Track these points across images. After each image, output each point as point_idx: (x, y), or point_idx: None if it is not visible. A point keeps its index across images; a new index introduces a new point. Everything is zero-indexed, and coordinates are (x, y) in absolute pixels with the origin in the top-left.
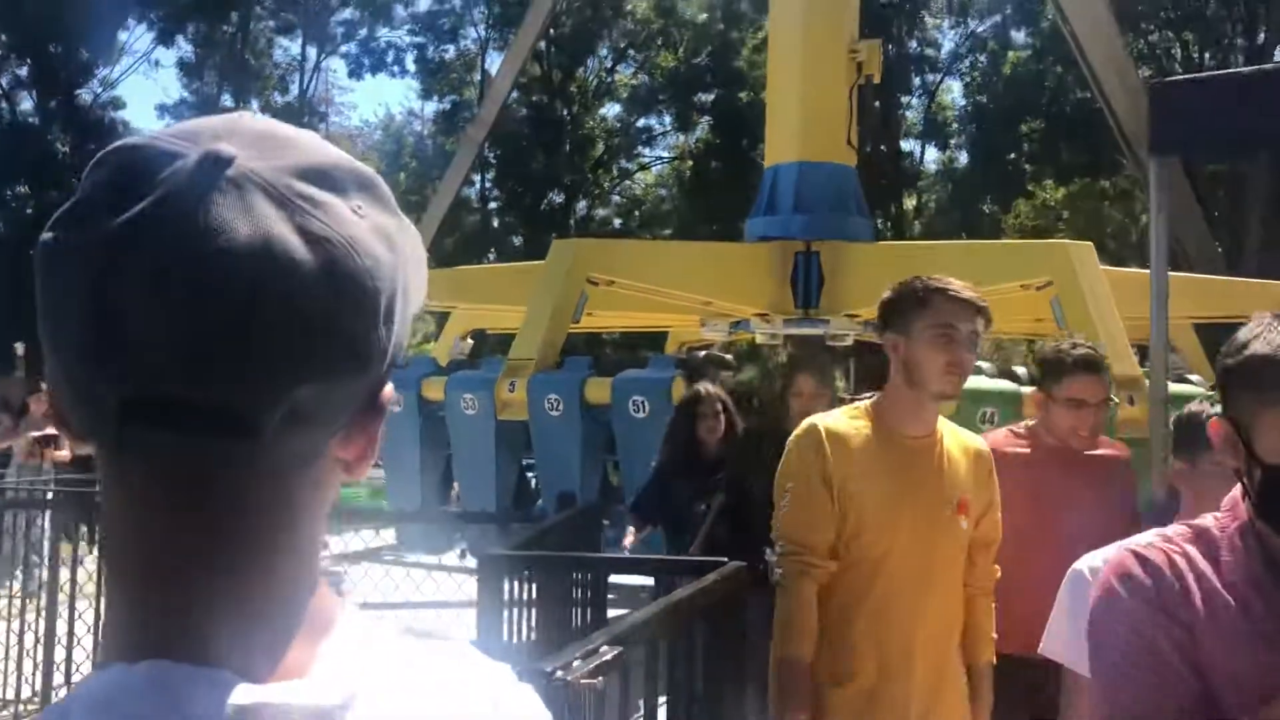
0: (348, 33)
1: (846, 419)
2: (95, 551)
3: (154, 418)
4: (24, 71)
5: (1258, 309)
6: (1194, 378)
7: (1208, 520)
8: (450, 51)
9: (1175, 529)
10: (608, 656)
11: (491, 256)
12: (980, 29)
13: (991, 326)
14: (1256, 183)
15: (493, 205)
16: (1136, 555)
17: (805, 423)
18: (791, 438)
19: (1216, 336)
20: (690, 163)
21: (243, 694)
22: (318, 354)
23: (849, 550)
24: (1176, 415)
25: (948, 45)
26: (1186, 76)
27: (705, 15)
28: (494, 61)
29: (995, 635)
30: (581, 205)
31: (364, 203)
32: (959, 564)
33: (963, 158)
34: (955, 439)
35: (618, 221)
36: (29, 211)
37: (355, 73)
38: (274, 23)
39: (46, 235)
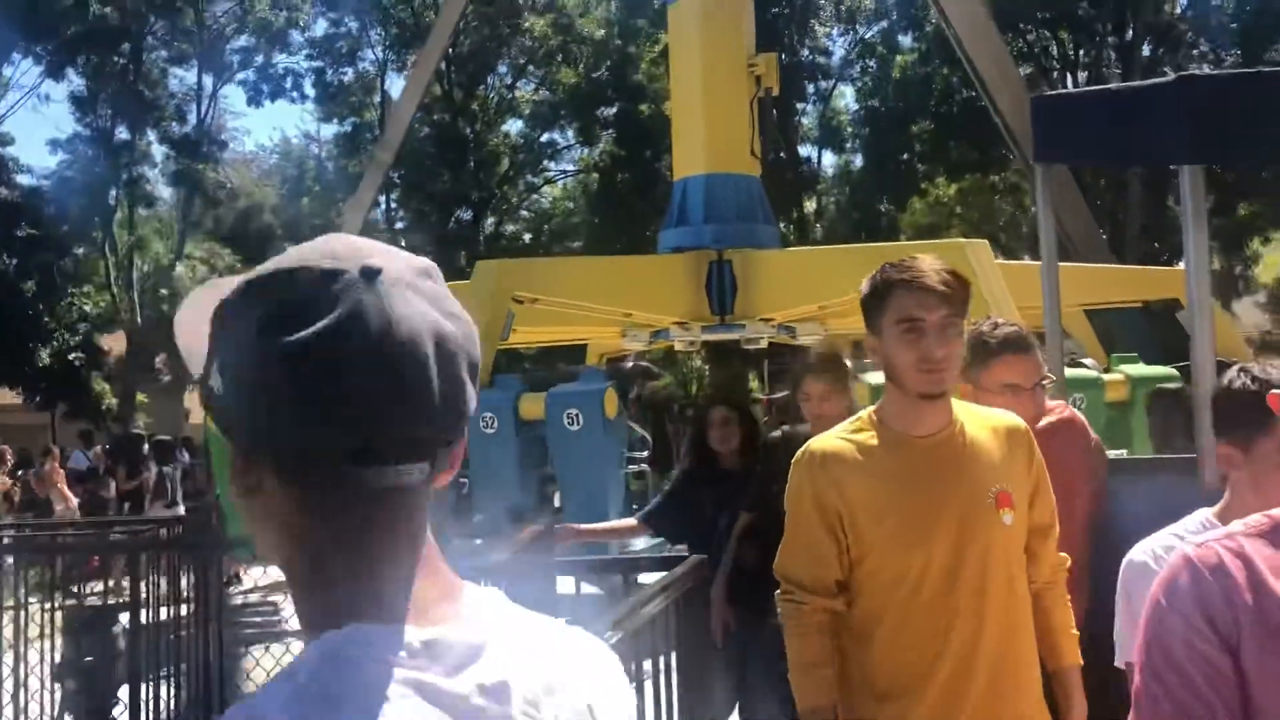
0: (244, 60)
1: (847, 434)
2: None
3: (374, 459)
4: None
5: (1143, 293)
6: (1088, 361)
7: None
8: (349, 74)
9: (1252, 518)
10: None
11: None
12: (868, 34)
13: (967, 310)
14: (1135, 174)
15: (399, 225)
16: (1183, 554)
17: (803, 448)
18: (792, 462)
19: (1107, 321)
20: (596, 175)
21: (419, 634)
22: (464, 400)
23: (874, 579)
24: (1217, 389)
25: (838, 52)
26: (1066, 91)
27: (603, 31)
28: (393, 82)
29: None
30: (490, 222)
31: (440, 284)
32: (1013, 564)
33: (858, 160)
34: (980, 423)
35: (528, 236)
36: None
37: (254, 100)
38: (167, 53)
39: (277, 341)
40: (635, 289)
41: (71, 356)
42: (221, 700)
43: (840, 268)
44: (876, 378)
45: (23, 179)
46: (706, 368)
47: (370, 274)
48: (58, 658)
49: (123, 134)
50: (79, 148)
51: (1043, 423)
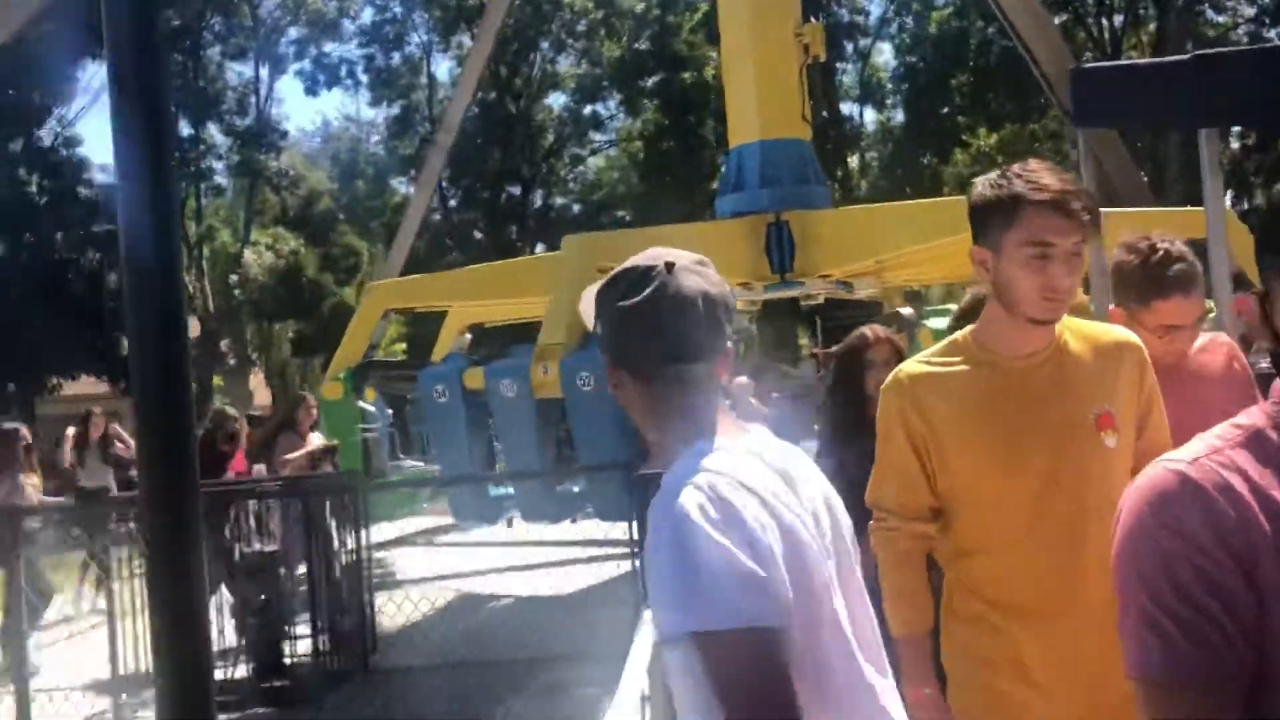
0: (299, 51)
1: (938, 357)
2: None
3: (676, 360)
4: None
5: (1185, 233)
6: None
7: (1257, 417)
8: (396, 58)
9: (1220, 431)
10: None
11: (454, 254)
12: None
13: (1100, 238)
14: None
15: (452, 203)
16: (1175, 473)
17: (892, 374)
18: (882, 389)
19: None
20: (641, 145)
21: (725, 443)
22: (722, 327)
23: (960, 507)
24: None
25: (875, 10)
26: (1103, 64)
27: (642, 4)
28: (438, 63)
29: None
30: (538, 195)
31: (708, 267)
32: (1115, 489)
33: (899, 116)
34: (1083, 339)
35: (576, 208)
36: (1, 253)
37: (311, 89)
38: (223, 48)
39: (624, 303)
40: (701, 252)
41: None
42: (374, 627)
43: (893, 223)
44: (938, 323)
45: (99, 177)
46: (754, 327)
47: (669, 265)
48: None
49: (186, 128)
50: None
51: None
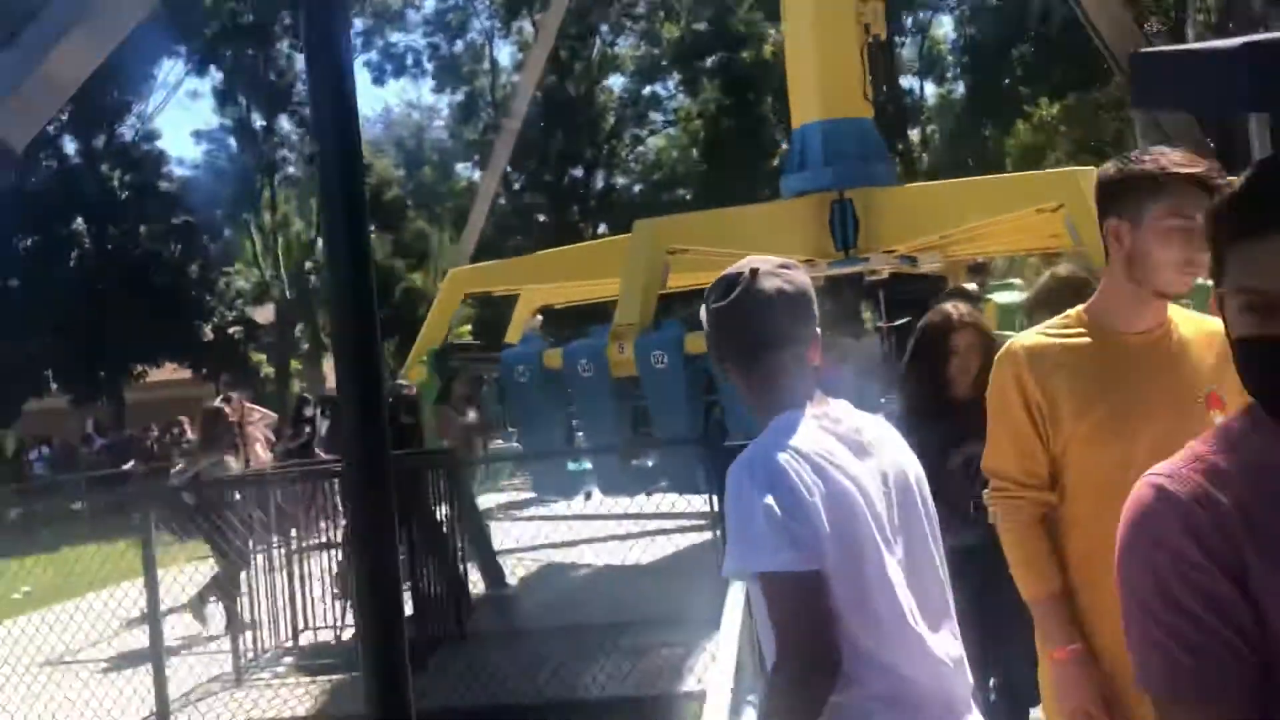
0: (366, 42)
1: (1053, 329)
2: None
3: (766, 349)
4: (65, 116)
5: None
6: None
7: (1242, 420)
8: (459, 45)
9: (1207, 436)
10: None
11: (519, 237)
12: None
13: None
14: None
15: (515, 186)
16: (1154, 487)
17: (1006, 345)
18: (995, 360)
19: None
20: (701, 124)
21: (815, 410)
22: (805, 319)
23: (1072, 477)
24: None
25: None
26: (1162, 50)
27: None
28: (501, 49)
29: None
30: (600, 177)
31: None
32: None
33: (959, 88)
34: (1191, 324)
35: (637, 188)
36: (89, 247)
37: (378, 79)
38: (291, 41)
39: (718, 304)
40: (768, 232)
41: (231, 331)
42: (467, 595)
43: (956, 199)
44: (1006, 297)
45: (177, 170)
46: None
47: (753, 271)
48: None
49: (259, 121)
50: (220, 137)
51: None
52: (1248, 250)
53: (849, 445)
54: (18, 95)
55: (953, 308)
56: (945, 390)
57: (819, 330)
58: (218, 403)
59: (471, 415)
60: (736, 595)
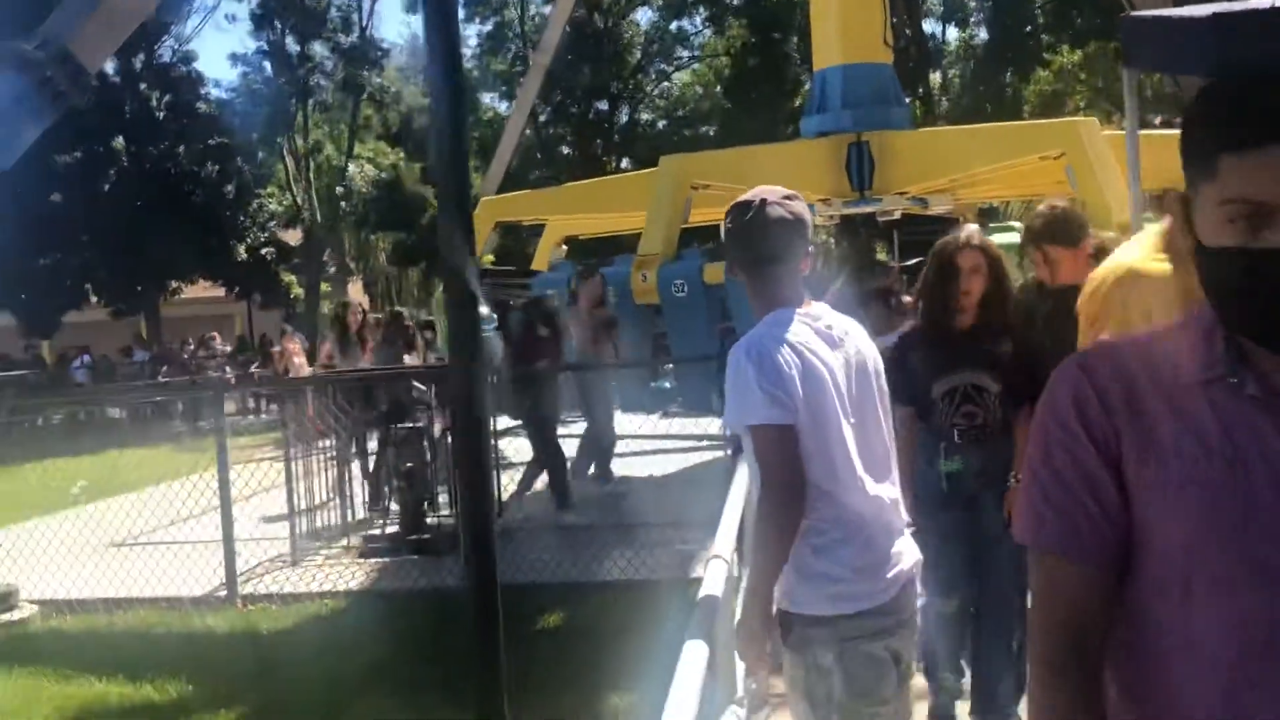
0: None
1: (1153, 259)
2: None
3: (767, 264)
4: None
5: None
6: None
7: (1191, 321)
8: None
9: (1157, 329)
10: None
11: (543, 169)
12: None
13: None
14: None
15: (541, 118)
16: (1071, 361)
17: (1115, 265)
18: (1095, 281)
19: None
20: (728, 60)
21: (802, 310)
22: (800, 242)
23: None
24: None
25: None
26: (1147, 15)
27: None
28: None
29: None
30: (624, 111)
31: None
32: None
33: (982, 34)
34: None
35: (661, 124)
36: (126, 164)
37: (411, 7)
38: None
39: (734, 225)
40: (788, 171)
41: (263, 251)
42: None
43: (967, 144)
44: (1005, 238)
45: (214, 92)
46: (832, 240)
47: (762, 201)
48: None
49: (293, 45)
50: (256, 60)
51: None
52: (1243, 160)
53: (823, 337)
54: (94, 18)
55: (964, 233)
56: (948, 316)
57: (811, 248)
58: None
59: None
60: (735, 498)
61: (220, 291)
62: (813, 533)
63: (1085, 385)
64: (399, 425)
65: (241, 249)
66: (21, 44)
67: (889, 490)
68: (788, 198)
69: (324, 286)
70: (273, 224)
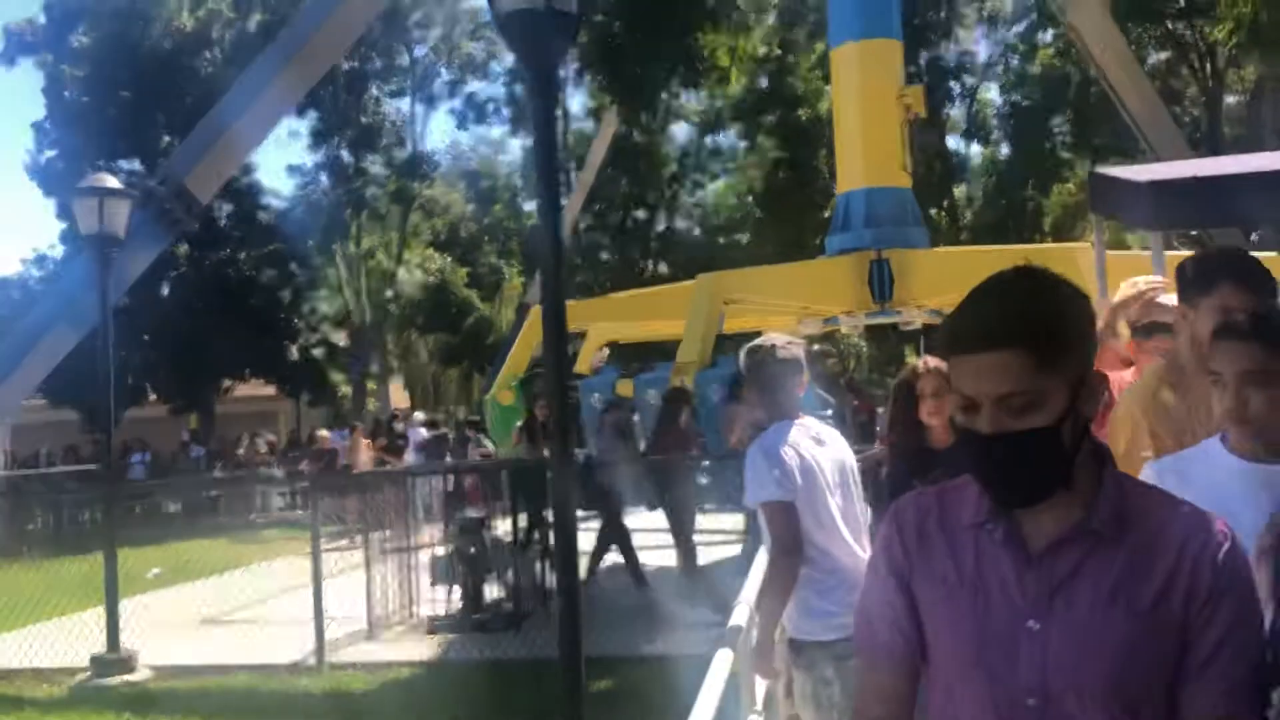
0: (452, 90)
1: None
2: None
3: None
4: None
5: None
6: None
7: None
8: None
9: (953, 483)
10: None
11: (584, 274)
12: (1009, 36)
13: None
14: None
15: (582, 225)
16: (893, 508)
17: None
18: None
19: None
20: (760, 174)
21: (798, 421)
22: (798, 376)
23: None
24: None
25: (983, 52)
26: (1105, 172)
27: (765, 49)
28: (572, 95)
29: None
30: (661, 219)
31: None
32: None
33: (1004, 150)
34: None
35: (697, 231)
36: (186, 270)
37: (461, 124)
38: (385, 85)
39: (751, 362)
40: (813, 286)
41: (315, 352)
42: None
43: (979, 263)
44: None
45: (274, 202)
46: (863, 344)
47: (771, 347)
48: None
49: (346, 157)
50: (315, 173)
51: None
52: (955, 363)
53: (813, 439)
54: (208, 158)
55: (920, 362)
56: (925, 439)
57: (804, 377)
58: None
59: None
60: (757, 564)
61: (270, 389)
62: (814, 580)
63: (893, 528)
64: (461, 515)
65: (294, 349)
66: (148, 180)
67: (863, 548)
68: (790, 342)
69: (370, 384)
70: (324, 325)
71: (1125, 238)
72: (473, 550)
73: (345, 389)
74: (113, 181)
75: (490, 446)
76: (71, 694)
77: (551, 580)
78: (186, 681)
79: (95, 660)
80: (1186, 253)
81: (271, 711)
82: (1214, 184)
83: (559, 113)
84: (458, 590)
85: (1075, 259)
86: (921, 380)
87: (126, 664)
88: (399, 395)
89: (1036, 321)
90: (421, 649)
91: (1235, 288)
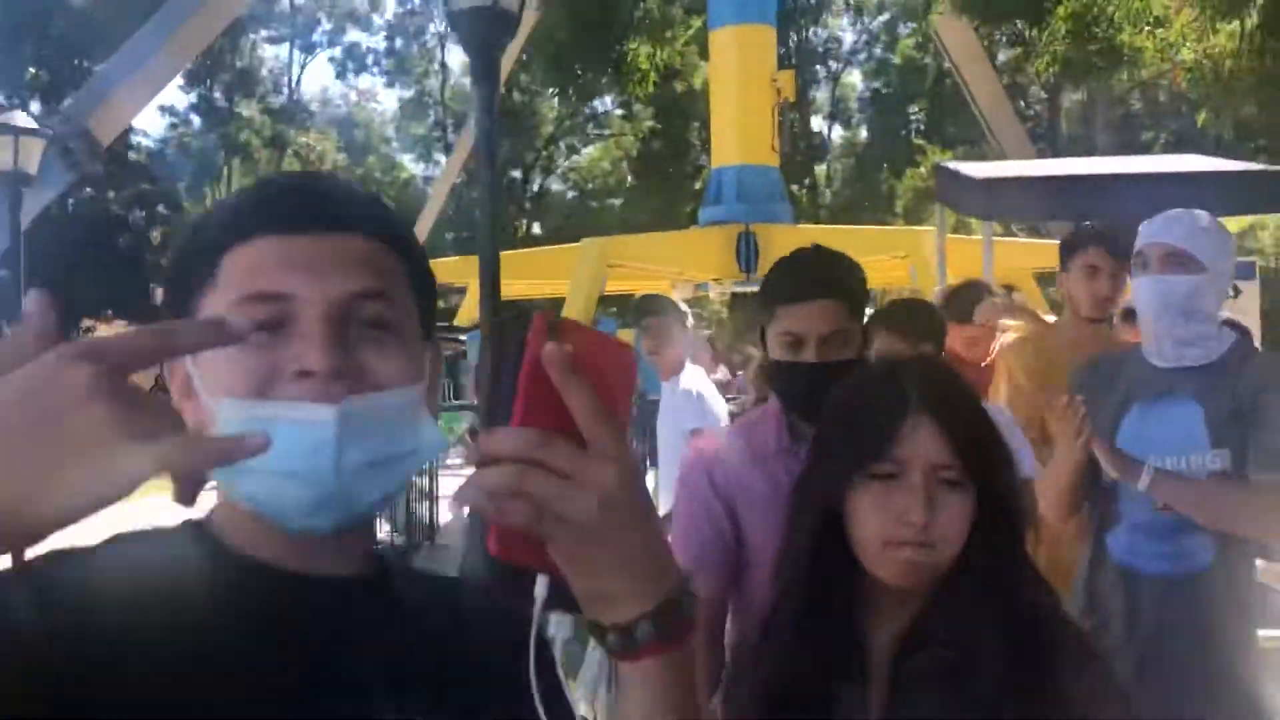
0: (331, 39)
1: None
2: None
3: None
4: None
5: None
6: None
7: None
8: (414, 48)
9: (754, 415)
10: None
11: (455, 231)
12: (873, 25)
13: None
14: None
15: (456, 181)
16: (704, 444)
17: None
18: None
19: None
20: (635, 140)
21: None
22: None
23: None
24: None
25: (847, 40)
26: (952, 166)
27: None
28: (451, 52)
29: None
30: (536, 180)
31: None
32: None
33: (863, 133)
34: None
35: (571, 194)
36: (52, 207)
37: (340, 74)
38: (265, 32)
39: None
40: (687, 254)
41: None
42: (436, 517)
43: (836, 241)
44: None
45: (143, 142)
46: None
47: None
48: None
49: (220, 101)
50: (188, 115)
51: None
52: (789, 309)
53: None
54: (109, 103)
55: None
56: None
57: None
58: None
59: None
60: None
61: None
62: None
63: (715, 458)
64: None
65: (160, 291)
66: (55, 120)
67: None
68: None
69: None
70: None
71: (971, 224)
72: None
73: None
74: (27, 120)
75: None
76: None
77: (437, 519)
78: None
79: None
80: (1022, 240)
81: None
82: (1038, 182)
83: (437, 66)
84: None
85: (920, 242)
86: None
87: None
88: None
89: (849, 279)
90: None
91: (1099, 249)
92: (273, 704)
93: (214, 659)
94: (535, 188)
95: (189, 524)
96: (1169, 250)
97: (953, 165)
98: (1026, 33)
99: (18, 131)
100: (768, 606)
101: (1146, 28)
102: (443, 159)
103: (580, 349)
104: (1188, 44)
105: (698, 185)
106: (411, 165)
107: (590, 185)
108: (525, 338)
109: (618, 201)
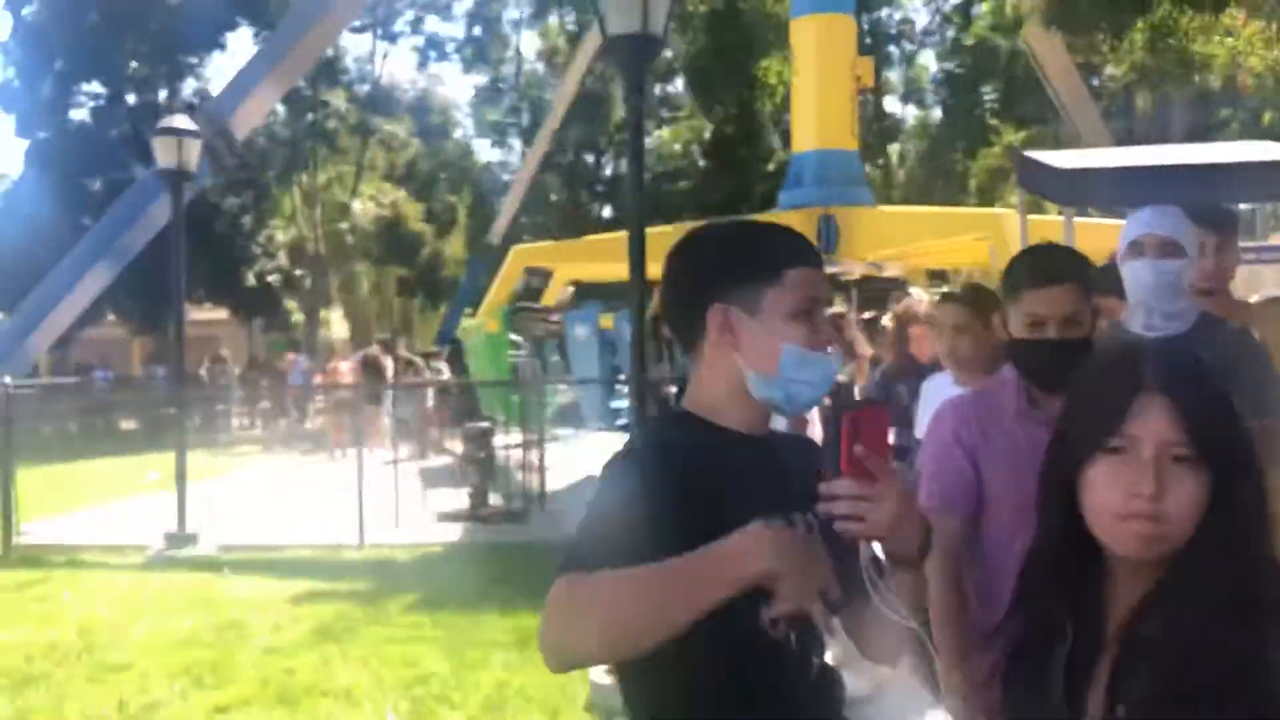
0: (414, 27)
1: None
2: None
3: None
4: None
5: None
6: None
7: (1004, 380)
8: (491, 35)
9: (996, 383)
10: None
11: (529, 216)
12: (945, 6)
13: None
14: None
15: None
16: (951, 400)
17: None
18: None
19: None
20: (710, 125)
21: None
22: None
23: None
24: None
25: (920, 21)
26: (1033, 155)
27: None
28: (526, 39)
29: None
30: (610, 163)
31: None
32: None
33: (937, 114)
34: None
35: (646, 176)
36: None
37: (422, 62)
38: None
39: None
40: None
41: (270, 279)
42: (545, 484)
43: (917, 222)
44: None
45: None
46: None
47: None
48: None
49: (305, 90)
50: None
51: None
52: (1034, 293)
53: None
54: (247, 103)
55: (904, 304)
56: (910, 356)
57: None
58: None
59: None
60: None
61: (222, 314)
62: None
63: (958, 417)
64: (469, 424)
65: (250, 275)
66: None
67: None
68: None
69: (324, 314)
70: (281, 253)
71: (1044, 204)
72: (482, 455)
73: (298, 316)
74: (187, 122)
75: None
76: (150, 561)
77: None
78: (249, 554)
79: (169, 537)
80: (1103, 220)
81: (335, 573)
82: (1121, 172)
83: (512, 53)
84: (464, 491)
85: (1001, 224)
86: (912, 318)
87: (193, 540)
88: (340, 325)
89: (1083, 268)
90: (443, 535)
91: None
92: (765, 504)
93: (743, 478)
94: (608, 171)
95: (682, 414)
96: (1163, 239)
97: (1034, 155)
98: (1107, 45)
99: (180, 133)
100: (1016, 561)
101: (1217, 38)
102: (517, 144)
103: (866, 422)
104: (1256, 52)
105: (771, 168)
106: (487, 152)
107: (661, 168)
108: (842, 428)
109: (687, 184)
